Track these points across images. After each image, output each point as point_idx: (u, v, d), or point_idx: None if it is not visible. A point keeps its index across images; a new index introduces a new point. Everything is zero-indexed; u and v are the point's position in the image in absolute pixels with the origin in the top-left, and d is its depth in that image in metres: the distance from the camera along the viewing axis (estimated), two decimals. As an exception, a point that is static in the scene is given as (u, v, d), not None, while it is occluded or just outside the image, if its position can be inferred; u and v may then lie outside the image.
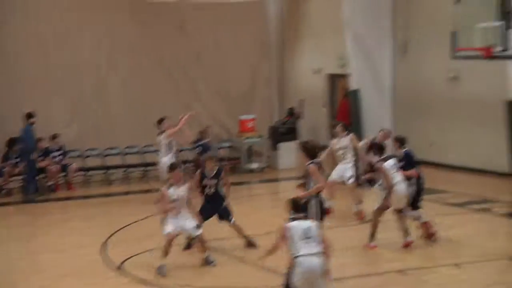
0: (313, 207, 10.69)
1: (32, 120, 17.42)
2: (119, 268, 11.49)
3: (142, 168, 19.56)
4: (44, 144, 18.24)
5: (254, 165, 20.27)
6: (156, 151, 17.00)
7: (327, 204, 11.86)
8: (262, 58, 21.66)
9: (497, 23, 12.86)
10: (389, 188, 11.86)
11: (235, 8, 21.37)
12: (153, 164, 18.91)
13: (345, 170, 14.41)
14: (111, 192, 18.10)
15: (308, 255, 8.46)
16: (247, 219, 14.27)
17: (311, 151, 11.01)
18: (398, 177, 11.99)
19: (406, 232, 12.09)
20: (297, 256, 8.49)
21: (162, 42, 20.24)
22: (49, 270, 11.70)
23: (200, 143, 17.02)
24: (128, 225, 14.29)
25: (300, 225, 8.68)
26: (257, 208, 15.84)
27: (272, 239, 12.00)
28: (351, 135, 14.73)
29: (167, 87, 20.35)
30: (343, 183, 14.46)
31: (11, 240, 13.77)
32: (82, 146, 19.32)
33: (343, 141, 14.54)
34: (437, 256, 11.85)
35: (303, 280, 8.45)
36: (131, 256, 11.93)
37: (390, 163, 12.04)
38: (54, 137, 18.45)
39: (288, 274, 8.82)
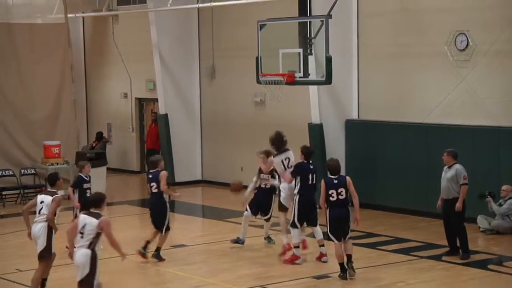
0: None
1: None
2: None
3: None
4: None
5: (61, 193, 19.51)
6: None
7: None
8: (67, 82, 21.02)
9: (298, 50, 13.29)
10: None
11: (37, 29, 20.67)
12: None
13: None
14: None
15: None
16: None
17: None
18: None
19: None
20: None
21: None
22: None
23: None
24: None
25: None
26: (64, 236, 15.24)
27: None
28: None
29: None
30: None
31: None
32: None
33: None
34: (248, 278, 11.93)
35: None
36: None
37: None
38: None
39: None
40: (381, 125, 17.21)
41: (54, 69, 20.72)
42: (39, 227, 10.86)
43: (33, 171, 19.68)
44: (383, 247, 13.84)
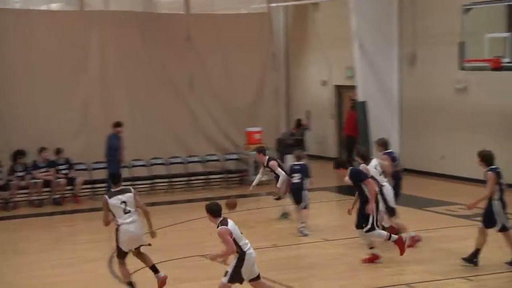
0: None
1: (118, 129, 17.80)
2: (129, 283, 11.33)
3: (149, 181, 19.52)
4: (48, 155, 18.24)
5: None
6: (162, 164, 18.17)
7: None
8: (269, 70, 21.59)
9: (505, 34, 12.80)
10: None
11: (241, 19, 21.36)
12: (161, 177, 19.09)
13: None
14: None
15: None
16: (254, 231, 14.22)
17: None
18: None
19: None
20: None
21: (168, 54, 20.17)
22: (56, 285, 11.63)
23: None
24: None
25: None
26: (265, 220, 15.74)
27: (280, 251, 11.89)
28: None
29: (173, 100, 20.30)
30: None
31: (18, 254, 13.70)
32: (88, 159, 19.20)
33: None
34: (447, 269, 11.71)
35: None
36: (138, 270, 11.83)
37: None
38: (58, 151, 18.42)
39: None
40: None
41: (256, 58, 21.32)
42: (139, 225, 10.65)
43: (236, 157, 20.44)
44: None
